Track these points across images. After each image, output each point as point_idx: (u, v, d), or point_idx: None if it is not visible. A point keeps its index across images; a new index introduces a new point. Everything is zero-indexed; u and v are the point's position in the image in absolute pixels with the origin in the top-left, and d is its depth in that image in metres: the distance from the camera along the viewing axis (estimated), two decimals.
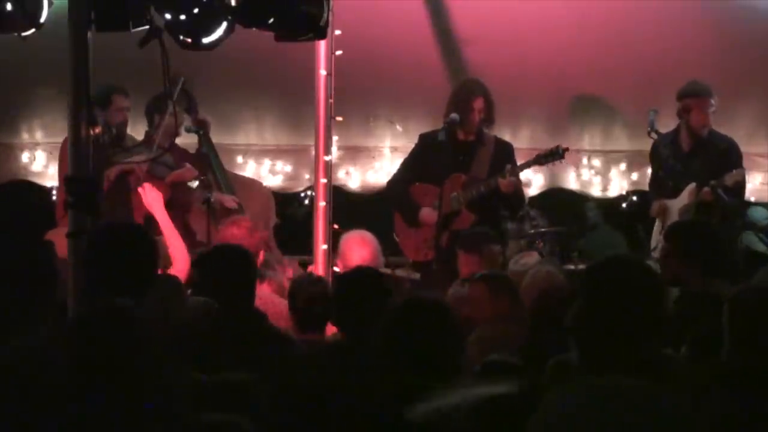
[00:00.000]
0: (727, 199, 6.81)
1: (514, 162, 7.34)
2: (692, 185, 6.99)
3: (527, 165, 7.33)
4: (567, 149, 7.27)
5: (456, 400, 1.72)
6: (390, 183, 7.73)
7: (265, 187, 8.22)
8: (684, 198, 7.03)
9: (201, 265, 4.81)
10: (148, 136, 7.27)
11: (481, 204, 7.23)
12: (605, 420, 1.47)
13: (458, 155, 7.27)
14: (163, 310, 3.83)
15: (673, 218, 6.93)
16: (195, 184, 7.38)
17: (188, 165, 7.23)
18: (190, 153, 7.50)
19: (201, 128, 7.45)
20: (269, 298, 5.59)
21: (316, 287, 5.02)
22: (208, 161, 7.49)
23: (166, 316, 3.83)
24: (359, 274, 4.50)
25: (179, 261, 5.82)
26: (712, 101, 7.08)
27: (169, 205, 7.28)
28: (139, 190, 6.69)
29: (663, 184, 7.29)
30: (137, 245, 3.96)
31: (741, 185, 7.05)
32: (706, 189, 6.87)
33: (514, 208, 7.62)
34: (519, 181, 7.34)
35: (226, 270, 4.57)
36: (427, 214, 7.22)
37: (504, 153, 7.40)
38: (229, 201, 7.40)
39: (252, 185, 8.02)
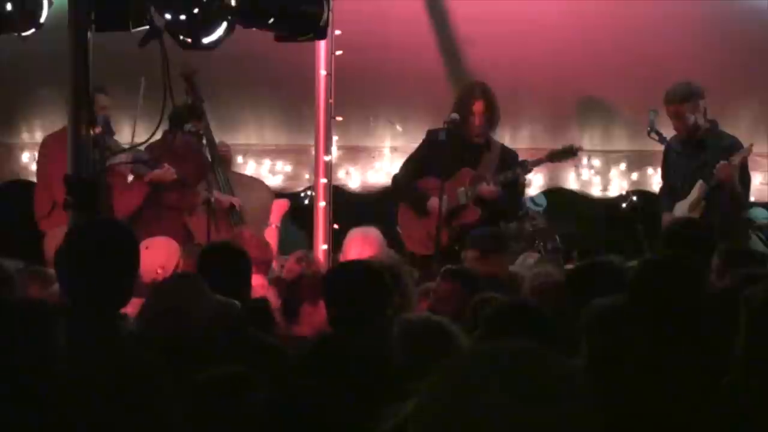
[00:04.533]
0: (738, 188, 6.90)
1: (522, 165, 7.39)
2: (700, 181, 7.01)
3: (539, 162, 7.43)
4: (580, 148, 7.36)
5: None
6: (396, 177, 7.73)
7: (266, 185, 8.20)
8: (694, 194, 7.05)
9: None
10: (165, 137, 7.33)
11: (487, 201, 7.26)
12: (494, 381, 1.48)
13: (466, 156, 7.28)
14: (182, 309, 3.78)
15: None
16: (201, 185, 7.40)
17: (166, 165, 7.22)
18: (195, 151, 7.45)
19: (199, 124, 7.41)
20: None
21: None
22: (210, 161, 7.48)
23: (185, 314, 3.78)
24: (352, 269, 4.43)
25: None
26: (682, 107, 7.05)
27: (167, 207, 7.33)
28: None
29: (674, 186, 7.28)
30: (121, 244, 3.88)
31: (746, 168, 7.10)
32: (721, 164, 6.87)
33: (506, 213, 7.65)
34: (521, 185, 7.41)
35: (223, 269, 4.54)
36: (436, 203, 7.18)
37: (509, 160, 7.43)
38: (229, 200, 7.40)
39: (253, 185, 8.01)
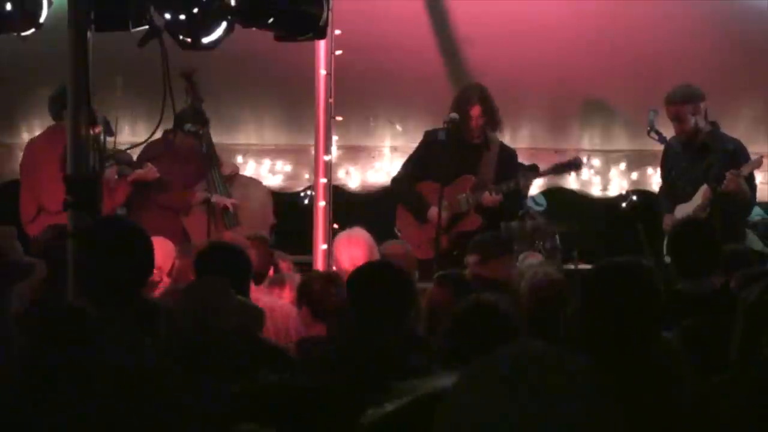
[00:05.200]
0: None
1: (516, 167, 7.40)
2: (705, 186, 6.98)
3: (543, 174, 7.50)
4: (583, 162, 7.45)
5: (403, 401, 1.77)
6: (395, 179, 7.74)
7: (264, 186, 8.21)
8: (698, 199, 7.04)
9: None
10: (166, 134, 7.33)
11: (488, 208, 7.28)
12: (517, 385, 1.50)
13: (465, 156, 7.29)
14: (204, 312, 3.78)
15: None
16: (199, 185, 7.40)
17: (149, 165, 7.28)
18: (197, 151, 7.44)
19: (202, 128, 7.42)
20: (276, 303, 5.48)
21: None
22: (209, 161, 7.49)
23: (207, 318, 3.79)
24: (376, 270, 4.37)
25: None
26: (683, 108, 7.05)
27: (162, 207, 7.35)
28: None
29: (675, 188, 7.26)
30: (137, 244, 3.89)
31: (752, 174, 7.10)
32: (731, 173, 6.84)
33: (507, 217, 7.64)
34: (523, 188, 7.42)
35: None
36: (436, 212, 7.20)
37: (507, 158, 7.44)
38: (224, 201, 7.40)
39: (251, 185, 8.02)
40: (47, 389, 2.98)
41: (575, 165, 7.41)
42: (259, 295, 5.35)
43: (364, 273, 4.25)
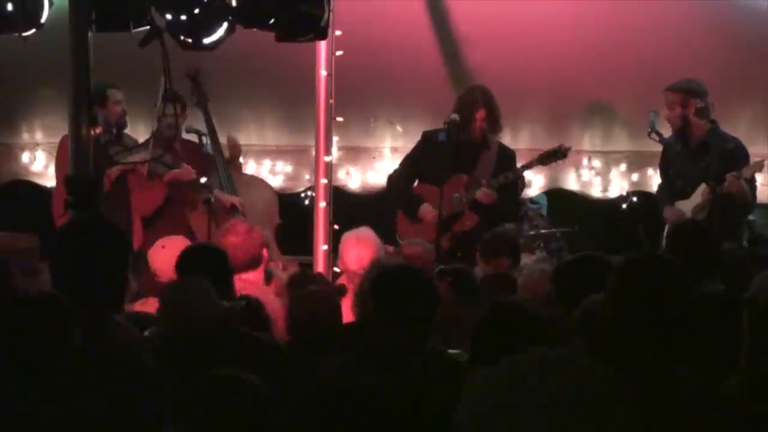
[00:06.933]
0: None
1: (514, 169, 7.37)
2: (704, 186, 6.97)
3: (530, 165, 7.39)
4: (569, 148, 7.34)
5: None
6: (390, 178, 7.72)
7: (269, 186, 8.20)
8: (697, 198, 7.03)
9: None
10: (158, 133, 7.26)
11: (485, 205, 7.25)
12: (533, 390, 1.51)
13: (462, 156, 7.27)
14: (190, 310, 3.78)
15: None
16: (203, 182, 7.39)
17: (185, 165, 7.25)
18: (199, 151, 7.43)
19: (183, 111, 7.35)
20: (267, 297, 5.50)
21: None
22: (213, 161, 7.48)
23: (194, 315, 3.78)
24: (405, 273, 4.40)
25: None
26: (671, 96, 7.06)
27: (171, 204, 7.33)
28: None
29: (673, 186, 7.26)
30: (109, 243, 3.81)
31: (754, 179, 7.10)
32: (731, 175, 6.83)
33: (505, 216, 7.61)
34: (519, 186, 7.38)
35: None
36: (428, 210, 7.20)
37: (506, 159, 7.41)
38: (230, 200, 7.39)
39: (256, 184, 8.01)
40: (25, 379, 3.00)
41: (561, 153, 7.32)
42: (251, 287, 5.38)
43: (389, 275, 4.24)
